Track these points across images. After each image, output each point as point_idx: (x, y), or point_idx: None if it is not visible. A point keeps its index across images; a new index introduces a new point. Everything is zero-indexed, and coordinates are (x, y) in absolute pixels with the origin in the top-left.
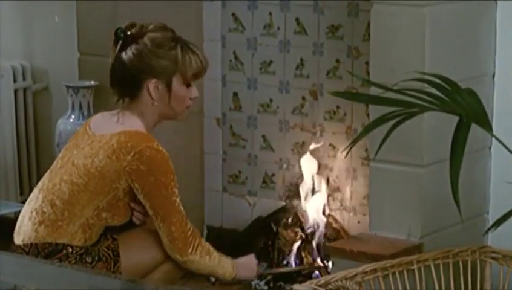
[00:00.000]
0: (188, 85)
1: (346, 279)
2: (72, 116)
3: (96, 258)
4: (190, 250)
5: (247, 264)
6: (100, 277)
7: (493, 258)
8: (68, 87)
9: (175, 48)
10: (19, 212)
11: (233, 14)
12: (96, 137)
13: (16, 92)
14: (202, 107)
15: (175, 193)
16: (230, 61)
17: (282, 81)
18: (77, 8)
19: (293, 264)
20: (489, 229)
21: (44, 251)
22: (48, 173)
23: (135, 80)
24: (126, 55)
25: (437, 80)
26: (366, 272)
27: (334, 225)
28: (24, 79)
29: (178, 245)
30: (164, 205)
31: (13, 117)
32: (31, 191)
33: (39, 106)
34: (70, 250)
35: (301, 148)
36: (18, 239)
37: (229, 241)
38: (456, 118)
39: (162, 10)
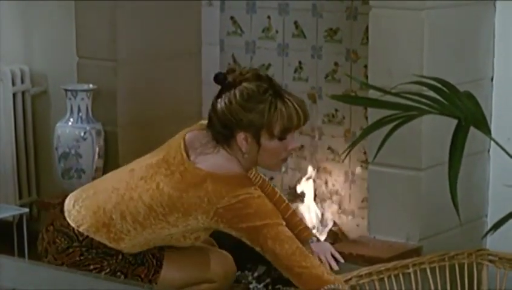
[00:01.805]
0: (281, 138)
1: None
2: (71, 120)
3: (139, 261)
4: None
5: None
6: (99, 281)
7: (490, 261)
8: (66, 90)
9: (265, 101)
10: (18, 215)
11: (231, 18)
12: (189, 167)
13: (14, 95)
14: (201, 111)
15: (276, 229)
16: (229, 64)
17: (281, 84)
18: (76, 12)
19: None
20: (487, 233)
21: (97, 249)
22: (127, 167)
23: (227, 130)
24: (219, 104)
25: (436, 83)
26: (361, 276)
27: (333, 228)
28: (23, 82)
29: (301, 280)
30: (261, 243)
31: (12, 121)
32: (29, 194)
33: (37, 110)
34: (120, 257)
35: (299, 152)
36: (72, 219)
37: (228, 244)
38: (455, 121)
39: (161, 14)
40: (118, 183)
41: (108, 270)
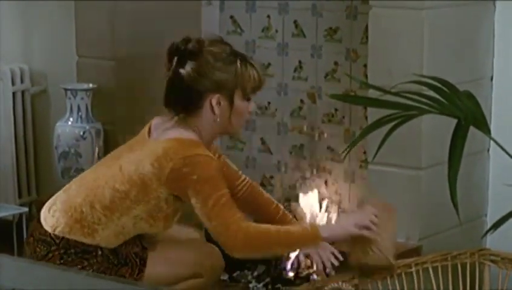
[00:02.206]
0: (248, 99)
1: (343, 281)
2: (71, 119)
3: (122, 261)
4: (241, 245)
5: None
6: (99, 280)
7: (492, 261)
8: (66, 90)
9: (235, 61)
10: (18, 215)
11: (231, 17)
12: (148, 142)
13: (14, 94)
14: None
15: (223, 193)
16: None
17: (280, 83)
18: (76, 10)
19: (291, 268)
20: (487, 232)
21: (75, 248)
22: (95, 166)
23: (197, 96)
24: (186, 71)
25: (436, 83)
26: None
27: None
28: (22, 82)
29: (229, 243)
30: (208, 204)
31: (12, 120)
32: (29, 194)
33: (37, 109)
34: (100, 252)
35: (299, 151)
36: (48, 224)
37: None
38: (454, 121)
39: (160, 13)
40: (86, 178)
41: (90, 270)
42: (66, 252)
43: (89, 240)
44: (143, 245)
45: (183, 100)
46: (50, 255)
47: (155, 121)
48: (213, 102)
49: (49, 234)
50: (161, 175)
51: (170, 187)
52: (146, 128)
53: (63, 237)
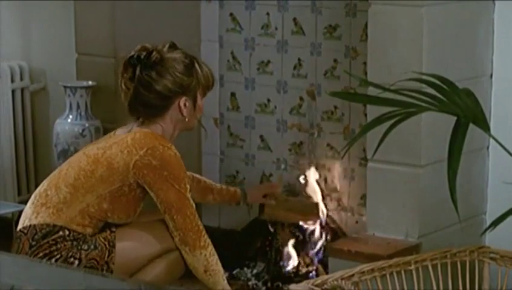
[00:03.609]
0: (204, 96)
1: (343, 279)
2: (70, 117)
3: (92, 246)
4: (202, 243)
5: None
6: (98, 277)
7: (491, 258)
8: (65, 87)
9: (193, 64)
10: (17, 212)
11: (231, 14)
12: (114, 136)
13: (13, 92)
14: None
15: (187, 189)
16: (228, 61)
17: (279, 81)
18: (75, 8)
19: (290, 266)
20: (486, 230)
21: (41, 231)
22: (57, 169)
23: (164, 100)
24: (152, 79)
25: (435, 80)
26: (363, 272)
27: (332, 225)
28: (22, 79)
29: (191, 237)
30: (179, 198)
31: (11, 117)
32: (28, 191)
33: (36, 106)
34: (67, 233)
35: (298, 149)
36: (20, 224)
37: (226, 242)
38: (454, 119)
39: (160, 10)
40: (52, 173)
41: (59, 256)
42: (34, 237)
43: (55, 219)
44: (111, 229)
45: (149, 106)
46: (20, 246)
47: (123, 127)
48: (181, 104)
49: (19, 230)
50: (130, 161)
51: (136, 174)
52: (110, 133)
53: (29, 225)
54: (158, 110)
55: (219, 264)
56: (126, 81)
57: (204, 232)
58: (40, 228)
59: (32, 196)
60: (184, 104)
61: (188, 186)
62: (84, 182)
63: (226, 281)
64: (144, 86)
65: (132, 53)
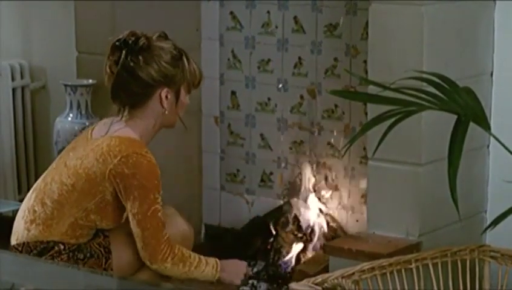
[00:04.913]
0: (188, 93)
1: (343, 277)
2: (70, 115)
3: (88, 255)
4: (160, 257)
5: (233, 268)
6: (97, 276)
7: (492, 257)
8: (66, 85)
9: (181, 57)
10: (17, 211)
11: (231, 13)
12: (91, 141)
13: (14, 90)
14: (200, 106)
15: (156, 199)
16: (228, 60)
17: (280, 79)
18: (75, 6)
19: (291, 264)
20: (487, 228)
21: (36, 249)
22: (44, 173)
23: (146, 88)
24: (136, 65)
25: (435, 79)
26: (363, 271)
27: (332, 223)
28: (22, 77)
29: (148, 251)
30: (142, 209)
31: (11, 116)
32: (29, 189)
33: (37, 105)
34: (62, 247)
35: (299, 147)
36: (13, 239)
37: (227, 240)
38: (454, 117)
39: (160, 9)
40: (35, 184)
41: None
42: (29, 255)
43: (46, 235)
44: (104, 234)
45: (131, 93)
46: None
47: (103, 121)
48: (163, 95)
49: (13, 246)
50: (105, 169)
51: (112, 183)
52: (88, 131)
53: (23, 242)
54: (139, 98)
55: (192, 264)
56: (111, 64)
57: (164, 246)
58: (35, 246)
59: (22, 209)
60: (166, 96)
61: (159, 197)
62: (68, 197)
63: (205, 264)
64: (128, 71)
65: (120, 36)
